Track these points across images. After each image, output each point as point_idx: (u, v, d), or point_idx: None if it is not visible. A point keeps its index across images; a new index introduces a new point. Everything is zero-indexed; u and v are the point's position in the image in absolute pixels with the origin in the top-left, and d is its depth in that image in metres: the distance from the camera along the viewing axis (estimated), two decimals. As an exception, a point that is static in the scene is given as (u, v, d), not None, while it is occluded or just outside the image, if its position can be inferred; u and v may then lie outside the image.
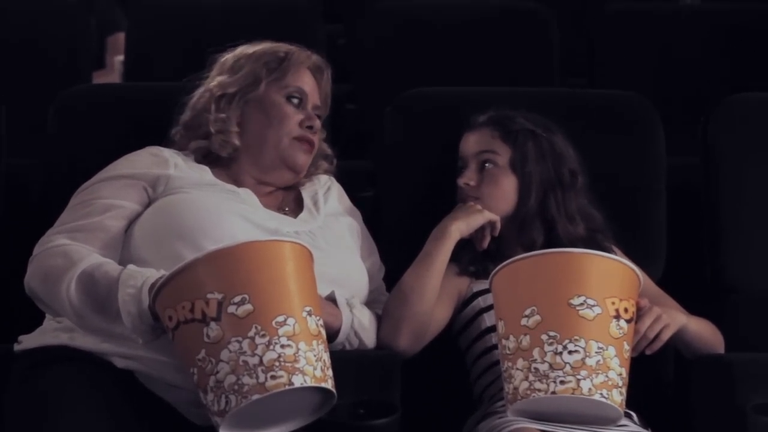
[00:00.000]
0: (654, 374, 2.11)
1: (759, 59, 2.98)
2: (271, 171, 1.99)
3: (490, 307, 1.96)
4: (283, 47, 2.04)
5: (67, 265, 1.78)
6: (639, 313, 1.82)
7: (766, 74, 2.92)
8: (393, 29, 3.03)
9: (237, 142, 1.98)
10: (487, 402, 1.97)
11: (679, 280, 2.09)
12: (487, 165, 2.04)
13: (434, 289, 1.95)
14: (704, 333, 1.98)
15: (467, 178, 2.04)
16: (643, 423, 1.89)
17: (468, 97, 2.28)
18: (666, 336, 1.86)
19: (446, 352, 2.04)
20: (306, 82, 2.02)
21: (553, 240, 2.00)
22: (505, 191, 2.04)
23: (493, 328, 1.94)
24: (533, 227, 2.02)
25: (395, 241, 2.15)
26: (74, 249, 1.81)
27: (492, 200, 2.03)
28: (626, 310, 1.76)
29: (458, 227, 1.98)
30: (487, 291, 1.92)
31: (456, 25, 3.01)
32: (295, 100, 2.00)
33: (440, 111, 2.24)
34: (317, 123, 2.01)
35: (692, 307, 2.01)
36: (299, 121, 1.99)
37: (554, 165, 2.05)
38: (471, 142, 2.07)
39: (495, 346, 1.94)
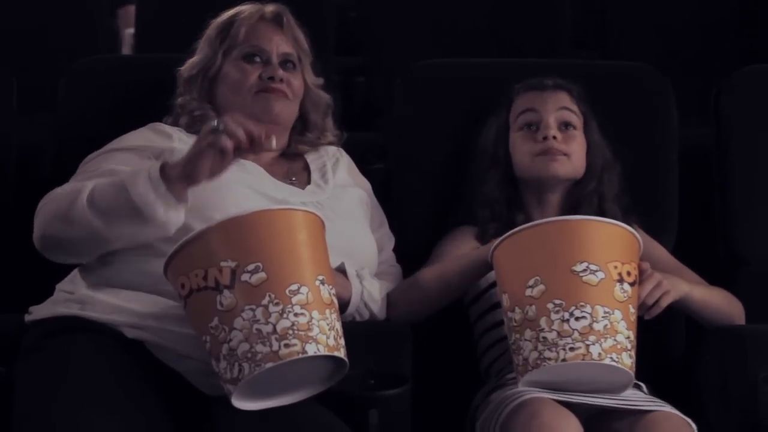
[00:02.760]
0: (665, 346, 2.12)
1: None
2: None
3: (502, 280, 1.95)
4: (232, 12, 2.02)
5: (72, 194, 1.79)
6: (641, 278, 1.81)
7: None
8: (402, 1, 3.02)
9: (212, 115, 1.96)
10: (494, 376, 1.96)
11: (691, 251, 2.09)
12: (568, 125, 2.02)
13: (454, 295, 1.95)
14: (714, 301, 1.96)
15: (554, 131, 2.01)
16: (653, 394, 1.89)
17: (477, 69, 2.28)
18: (665, 302, 1.84)
19: (458, 323, 2.04)
20: (261, 35, 1.99)
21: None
22: (583, 155, 2.03)
23: (503, 302, 1.94)
24: (591, 203, 2.02)
25: (405, 213, 2.15)
26: (72, 185, 1.82)
27: (577, 158, 2.01)
28: (629, 274, 1.76)
29: None
30: (500, 263, 1.92)
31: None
32: (256, 58, 1.98)
33: (450, 82, 2.24)
34: (279, 72, 1.97)
35: (705, 278, 2.01)
36: (257, 75, 1.96)
37: (607, 141, 2.06)
38: (549, 99, 2.04)
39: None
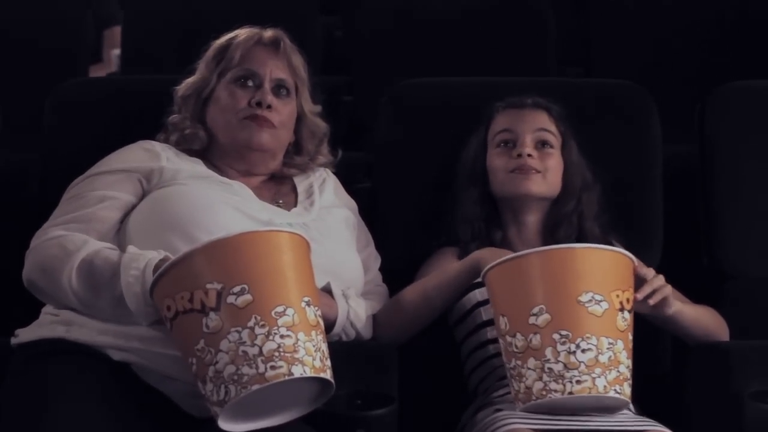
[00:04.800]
0: (652, 363, 2.11)
1: (756, 47, 2.98)
2: (239, 158, 1.98)
3: (487, 301, 1.93)
4: (230, 35, 2.03)
5: (64, 256, 1.79)
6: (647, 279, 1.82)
7: (764, 62, 2.92)
8: (389, 20, 3.03)
9: (203, 135, 1.98)
10: (482, 395, 1.96)
11: (676, 268, 2.08)
12: (545, 144, 2.02)
13: (437, 312, 1.94)
14: (703, 320, 1.97)
15: (529, 149, 2.01)
16: (639, 412, 1.88)
17: (463, 87, 2.28)
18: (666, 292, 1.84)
19: (444, 342, 2.03)
20: (256, 59, 1.99)
21: (577, 239, 2.00)
22: (559, 175, 2.03)
23: (489, 323, 1.94)
24: (570, 222, 2.02)
25: (391, 232, 2.15)
26: (69, 239, 1.81)
27: (553, 176, 2.01)
28: (628, 301, 1.76)
29: (479, 257, 1.90)
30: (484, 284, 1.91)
31: (452, 16, 3.01)
32: (248, 82, 1.98)
33: (435, 101, 2.25)
34: (268, 98, 1.96)
35: (689, 294, 2.01)
36: (247, 100, 1.96)
37: (587, 160, 2.06)
38: (527, 118, 2.04)
39: (490, 341, 1.94)
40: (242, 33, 2.02)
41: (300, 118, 2.04)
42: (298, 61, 2.03)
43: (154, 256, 1.74)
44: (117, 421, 1.70)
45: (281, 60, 2.01)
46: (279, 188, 2.02)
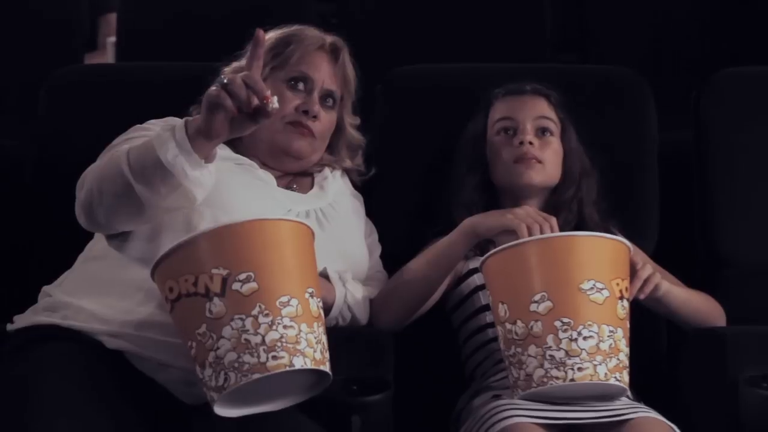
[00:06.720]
0: (648, 349, 2.12)
1: (752, 33, 2.98)
2: (271, 157, 1.97)
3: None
4: (293, 30, 2.01)
5: (117, 157, 1.75)
6: (635, 269, 1.83)
7: (760, 48, 2.92)
8: (384, 7, 3.03)
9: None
10: (479, 379, 1.97)
11: (671, 254, 2.10)
12: (545, 131, 2.03)
13: (433, 287, 1.94)
14: (694, 301, 1.97)
15: (530, 137, 2.01)
16: (636, 398, 1.89)
17: (458, 74, 2.28)
18: (656, 281, 1.86)
19: (440, 328, 2.04)
20: (313, 64, 1.98)
21: (577, 225, 2.01)
22: (559, 162, 2.04)
23: (488, 307, 1.94)
24: (570, 209, 2.02)
25: (389, 219, 2.15)
26: (113, 153, 1.78)
27: (552, 166, 2.02)
28: (626, 289, 1.77)
29: (473, 221, 1.91)
30: (483, 268, 1.92)
31: (447, 1, 3.01)
32: (300, 84, 1.97)
33: (431, 88, 2.25)
34: (315, 108, 1.96)
35: (685, 281, 2.02)
36: (296, 105, 1.96)
37: (585, 147, 2.07)
38: (527, 105, 2.05)
39: (489, 325, 1.94)
40: (305, 34, 2.00)
41: (339, 128, 2.03)
42: (351, 74, 2.03)
43: (180, 121, 1.70)
44: (106, 409, 1.69)
45: (337, 71, 2.01)
46: (294, 177, 2.01)
